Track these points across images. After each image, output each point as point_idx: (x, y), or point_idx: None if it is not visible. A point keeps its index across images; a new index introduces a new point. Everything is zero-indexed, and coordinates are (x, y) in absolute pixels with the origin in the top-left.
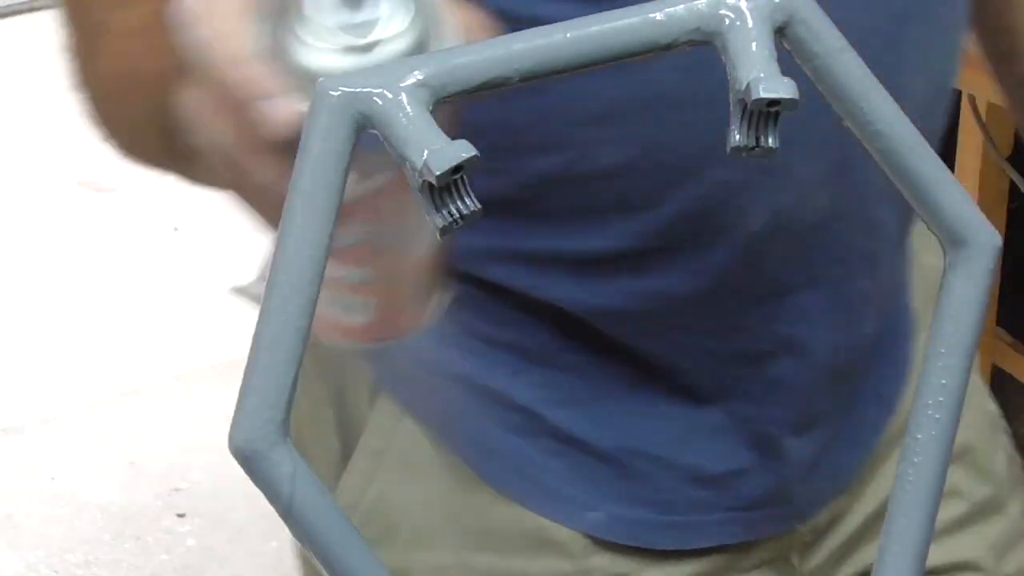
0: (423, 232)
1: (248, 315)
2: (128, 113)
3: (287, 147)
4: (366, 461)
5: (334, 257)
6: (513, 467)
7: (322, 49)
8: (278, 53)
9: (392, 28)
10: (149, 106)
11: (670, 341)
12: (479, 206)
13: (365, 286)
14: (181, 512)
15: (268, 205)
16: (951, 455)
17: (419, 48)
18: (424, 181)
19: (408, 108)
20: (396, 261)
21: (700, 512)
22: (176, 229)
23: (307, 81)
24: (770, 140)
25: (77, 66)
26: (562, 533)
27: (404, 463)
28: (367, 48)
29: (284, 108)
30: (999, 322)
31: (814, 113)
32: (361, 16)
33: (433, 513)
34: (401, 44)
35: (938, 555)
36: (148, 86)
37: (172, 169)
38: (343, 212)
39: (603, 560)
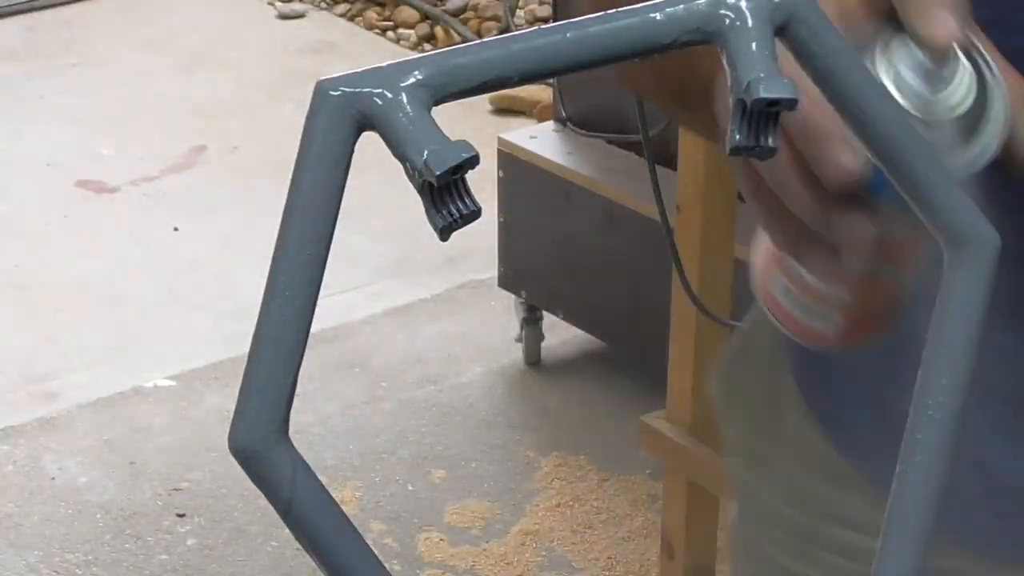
0: (911, 274)
1: (249, 315)
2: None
3: (832, 194)
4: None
5: (835, 276)
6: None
7: (908, 84)
8: None
9: (959, 93)
10: (679, 72)
11: None
12: (479, 206)
13: (840, 305)
14: (181, 512)
15: (779, 221)
16: (951, 455)
17: (974, 116)
18: (424, 181)
19: (408, 108)
20: (879, 292)
21: None
22: (176, 229)
23: None
24: (770, 140)
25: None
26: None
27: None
28: (934, 105)
29: (850, 159)
30: None
31: None
32: (940, 74)
33: None
34: (962, 109)
35: None
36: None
37: (681, 120)
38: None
39: None
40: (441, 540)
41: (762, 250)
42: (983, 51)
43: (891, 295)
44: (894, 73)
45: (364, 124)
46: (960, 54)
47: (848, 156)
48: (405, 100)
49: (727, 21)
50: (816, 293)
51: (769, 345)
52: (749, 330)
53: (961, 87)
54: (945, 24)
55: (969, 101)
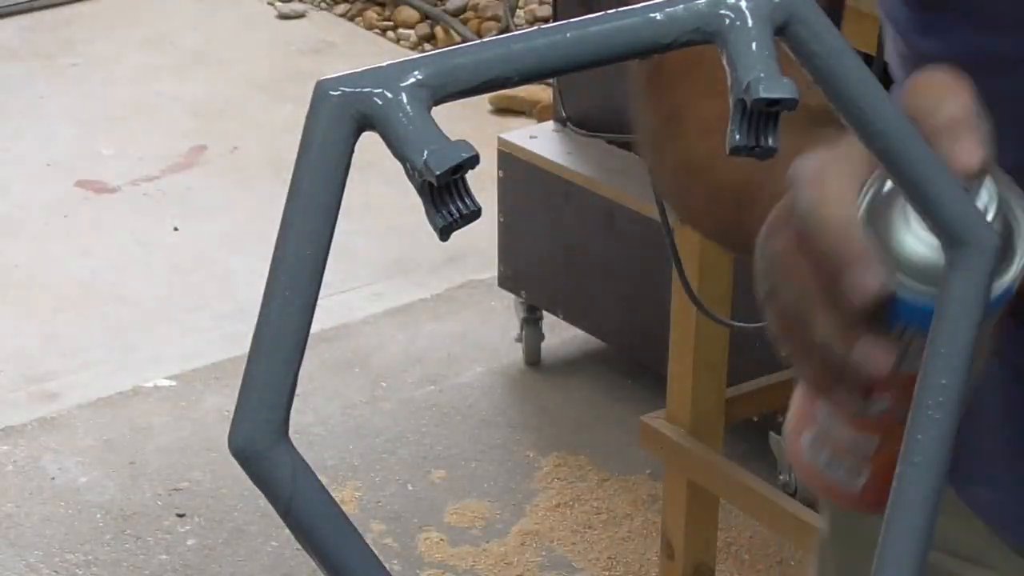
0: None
1: (249, 315)
2: (691, 198)
3: (855, 318)
4: None
5: (856, 422)
6: None
7: (923, 239)
8: (878, 226)
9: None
10: (711, 196)
11: None
12: (479, 206)
13: (867, 453)
14: (181, 512)
15: (806, 355)
16: (951, 455)
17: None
18: (424, 181)
19: (408, 108)
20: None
21: None
22: (176, 229)
23: (897, 261)
24: (770, 140)
25: (649, 142)
26: None
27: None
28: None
29: (872, 280)
30: None
31: None
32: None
33: None
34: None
35: None
36: (715, 182)
37: (723, 246)
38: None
39: None
40: (441, 540)
41: (793, 412)
42: (1009, 188)
43: None
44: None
45: (364, 124)
46: (987, 184)
47: (870, 276)
48: (405, 100)
49: (727, 21)
50: (843, 443)
51: None
52: None
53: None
54: (972, 152)
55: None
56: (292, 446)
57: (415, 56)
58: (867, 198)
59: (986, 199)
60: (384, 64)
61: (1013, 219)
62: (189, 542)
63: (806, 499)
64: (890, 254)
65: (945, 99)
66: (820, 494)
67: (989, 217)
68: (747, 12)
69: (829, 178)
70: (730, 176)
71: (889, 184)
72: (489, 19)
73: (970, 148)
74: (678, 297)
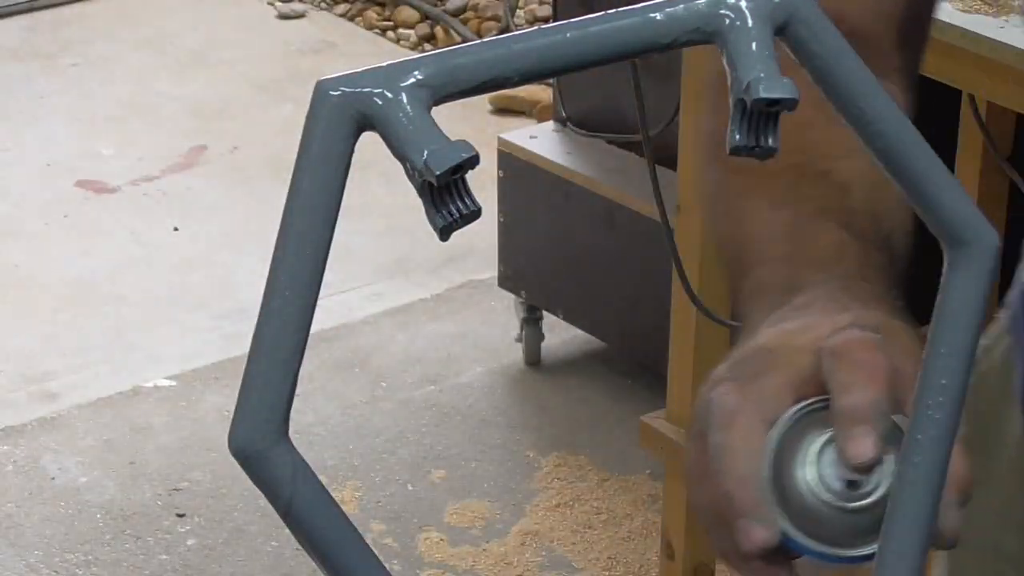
0: None
1: (249, 315)
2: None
3: (755, 557)
4: None
5: None
6: None
7: (818, 492)
8: (777, 472)
9: (883, 489)
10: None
11: None
12: (479, 206)
13: None
14: (181, 512)
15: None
16: (951, 455)
17: None
18: (424, 181)
19: (408, 108)
20: None
21: None
22: (176, 229)
23: (794, 505)
24: (770, 140)
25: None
26: None
27: None
28: (856, 510)
29: (758, 536)
30: None
31: None
32: (866, 484)
33: None
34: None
35: None
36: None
37: None
38: None
39: None
40: (441, 540)
41: None
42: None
43: None
44: (817, 459)
45: (364, 124)
46: (881, 469)
47: (758, 530)
48: (405, 100)
49: (727, 21)
50: None
51: (1001, 366)
52: (985, 346)
53: (880, 487)
54: (863, 448)
55: (879, 493)
56: (292, 446)
57: (415, 56)
58: (776, 437)
59: (877, 483)
60: (384, 64)
61: None
62: (189, 542)
63: None
64: (786, 497)
65: (857, 385)
66: None
67: (882, 487)
68: (747, 12)
69: (738, 422)
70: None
71: (798, 418)
72: (489, 19)
73: (861, 443)
74: (678, 297)
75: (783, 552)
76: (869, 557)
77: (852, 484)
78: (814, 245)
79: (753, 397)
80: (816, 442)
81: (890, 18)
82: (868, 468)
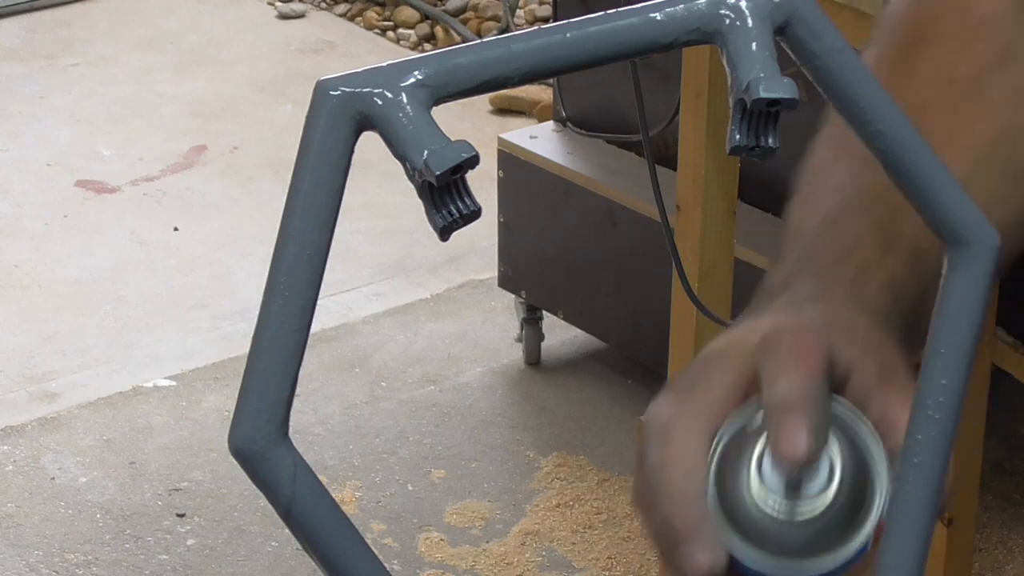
0: None
1: (249, 315)
2: None
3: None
4: None
5: None
6: None
7: (763, 501)
8: (722, 487)
9: (821, 499)
10: None
11: None
12: (479, 206)
13: None
14: (181, 512)
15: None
16: (951, 455)
17: (852, 502)
18: (424, 181)
19: (408, 108)
20: None
21: None
22: (176, 229)
23: (740, 521)
24: (770, 140)
25: None
26: None
27: None
28: (800, 523)
29: (704, 559)
30: (999, 322)
31: None
32: (812, 483)
33: None
34: (822, 506)
35: None
36: None
37: None
38: None
39: None
40: (441, 540)
41: None
42: (870, 434)
43: None
44: (759, 466)
45: (364, 124)
46: (826, 459)
47: (703, 555)
48: (405, 100)
49: (727, 21)
50: None
51: None
52: None
53: (825, 494)
54: (796, 441)
55: (829, 498)
56: (292, 446)
57: (415, 56)
58: (718, 451)
59: (825, 475)
60: (384, 64)
61: (872, 469)
62: (189, 542)
63: None
64: (733, 513)
65: (784, 373)
66: None
67: (832, 490)
68: (747, 12)
69: (675, 437)
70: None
71: (740, 429)
72: (489, 19)
73: (793, 437)
74: (678, 297)
75: (739, 573)
76: (839, 571)
77: (796, 485)
78: (832, 244)
79: (689, 408)
80: (757, 446)
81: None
82: (807, 463)
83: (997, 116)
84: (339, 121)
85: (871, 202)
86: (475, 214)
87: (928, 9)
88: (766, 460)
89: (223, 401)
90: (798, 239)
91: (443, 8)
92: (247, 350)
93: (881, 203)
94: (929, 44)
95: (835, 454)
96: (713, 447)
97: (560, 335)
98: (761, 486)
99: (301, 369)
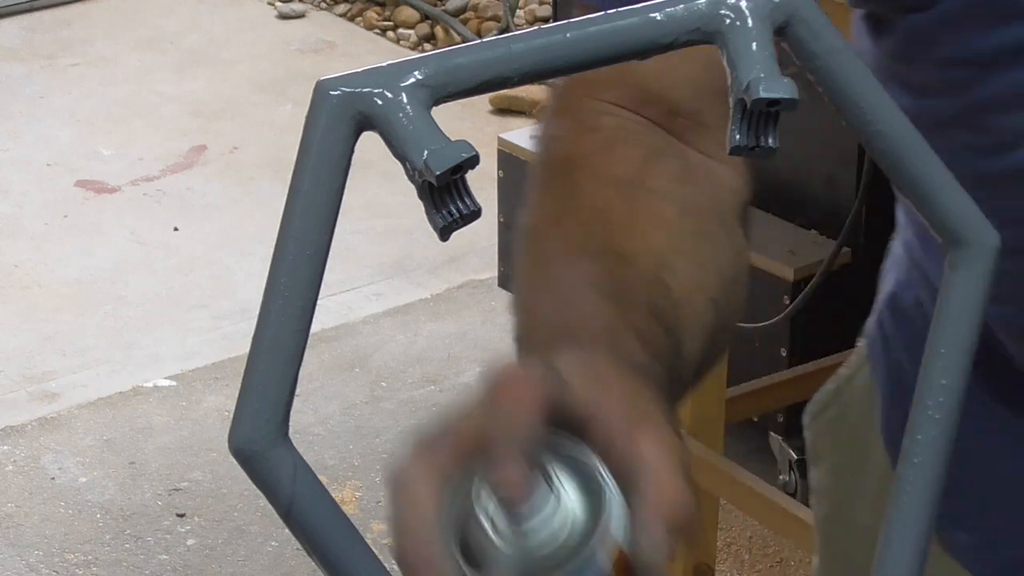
0: None
1: (249, 315)
2: None
3: None
4: None
5: None
6: None
7: (496, 542)
8: (457, 527)
9: (546, 530)
10: None
11: None
12: (479, 206)
13: None
14: (181, 512)
15: None
16: (951, 455)
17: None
18: (424, 181)
19: (408, 108)
20: None
21: None
22: (176, 229)
23: (476, 564)
24: (770, 140)
25: None
26: None
27: None
28: (532, 549)
29: None
30: None
31: None
32: (535, 526)
33: None
34: (555, 544)
35: None
36: None
37: None
38: None
39: None
40: None
41: None
42: (597, 470)
43: None
44: (488, 510)
45: (364, 124)
46: (551, 483)
47: None
48: (405, 100)
49: (727, 21)
50: None
51: (862, 396)
52: (846, 375)
53: (550, 524)
54: (506, 474)
55: (563, 536)
56: (292, 446)
57: (415, 56)
58: (455, 498)
59: (551, 509)
60: (384, 64)
61: (601, 484)
62: (189, 542)
63: (806, 499)
64: (472, 554)
65: (493, 408)
66: None
67: (556, 521)
68: (747, 12)
69: (413, 482)
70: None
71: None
72: (489, 19)
73: (504, 472)
74: None
75: None
76: None
77: (519, 519)
78: (574, 314)
79: (424, 459)
80: (484, 487)
81: (715, 94)
82: (524, 497)
83: (669, 199)
84: (339, 121)
85: (596, 280)
86: (475, 214)
87: (563, 145)
88: (493, 500)
89: (223, 401)
90: (538, 323)
91: (443, 8)
92: (247, 350)
93: (607, 277)
94: (579, 164)
95: (563, 488)
96: (451, 494)
97: None
98: (492, 525)
99: (301, 369)
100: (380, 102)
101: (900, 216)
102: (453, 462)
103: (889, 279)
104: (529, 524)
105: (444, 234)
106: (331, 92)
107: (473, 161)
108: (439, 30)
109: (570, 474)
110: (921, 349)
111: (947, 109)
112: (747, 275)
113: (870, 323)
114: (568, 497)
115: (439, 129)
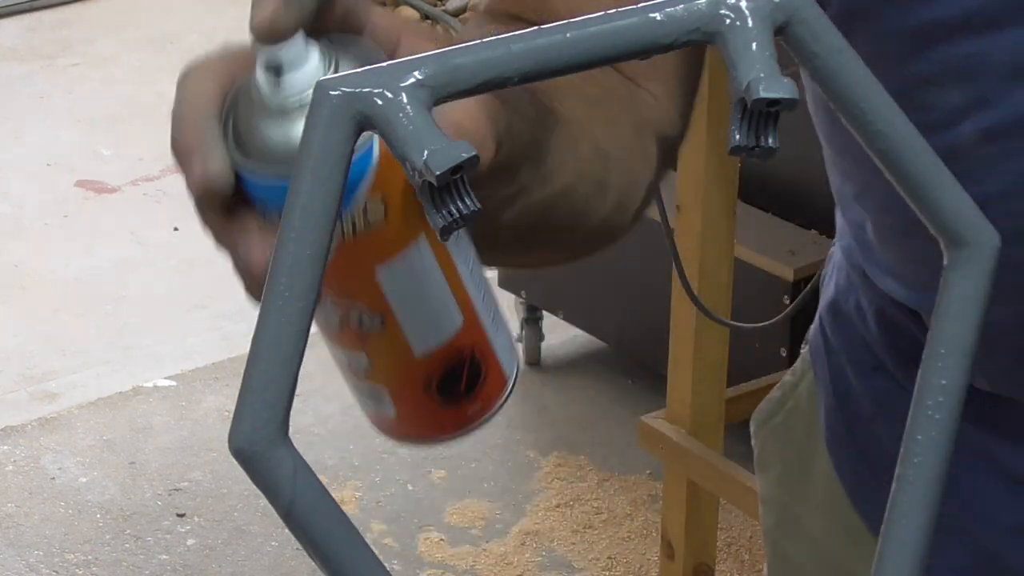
0: (420, 326)
1: (249, 315)
2: None
3: (215, 205)
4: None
5: (336, 337)
6: None
7: (257, 106)
8: (235, 122)
9: (303, 80)
10: None
11: None
12: (479, 206)
13: (370, 373)
14: (181, 512)
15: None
16: (951, 456)
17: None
18: (424, 181)
19: (408, 108)
20: (390, 350)
21: None
22: (176, 229)
23: (253, 150)
24: (770, 140)
25: None
26: None
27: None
28: (288, 96)
29: (206, 166)
30: None
31: None
32: (296, 81)
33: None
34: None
35: None
36: None
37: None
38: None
39: None
40: (441, 540)
41: None
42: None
43: (394, 341)
44: (256, 76)
45: (364, 124)
46: (306, 42)
47: (203, 163)
48: (405, 100)
49: (727, 21)
50: (344, 364)
51: (807, 403)
52: (791, 382)
53: (305, 74)
54: (263, 9)
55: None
56: (292, 446)
57: (415, 56)
58: (231, 96)
59: (315, 65)
60: (384, 64)
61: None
62: (189, 542)
63: None
64: (246, 145)
65: None
66: (377, 430)
67: (309, 75)
68: (747, 12)
69: (192, 79)
70: None
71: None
72: None
73: (262, 8)
74: (678, 297)
75: (253, 198)
76: None
77: (278, 68)
78: None
79: (211, 58)
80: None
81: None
82: (281, 37)
83: (587, 89)
84: (339, 121)
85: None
86: (476, 214)
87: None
88: (262, 73)
89: (223, 401)
90: None
91: (443, 8)
92: (247, 350)
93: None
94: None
95: (335, 63)
96: (229, 94)
97: (560, 335)
98: (258, 94)
99: (301, 369)
100: (380, 102)
101: (839, 221)
102: (237, 66)
103: (829, 285)
104: (288, 75)
105: (444, 234)
106: (331, 92)
107: (473, 161)
108: (439, 30)
109: (349, 60)
110: (861, 354)
111: (884, 85)
112: (650, 191)
113: (812, 330)
114: (336, 67)
115: (439, 129)
